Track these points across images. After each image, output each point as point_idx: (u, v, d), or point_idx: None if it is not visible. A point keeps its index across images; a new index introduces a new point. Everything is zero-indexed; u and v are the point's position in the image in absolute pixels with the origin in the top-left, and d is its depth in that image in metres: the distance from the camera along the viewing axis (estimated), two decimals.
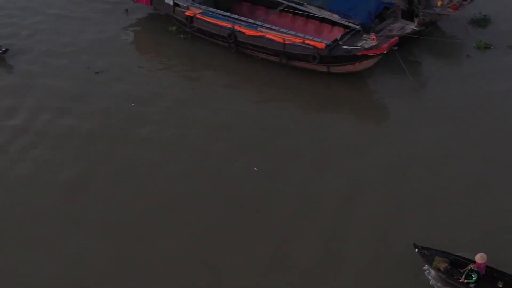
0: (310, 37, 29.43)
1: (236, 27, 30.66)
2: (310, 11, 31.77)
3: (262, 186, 23.69)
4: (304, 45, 29.23)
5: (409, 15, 31.65)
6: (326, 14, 31.44)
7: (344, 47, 29.14)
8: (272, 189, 23.54)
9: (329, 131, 26.61)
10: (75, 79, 30.08)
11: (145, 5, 34.25)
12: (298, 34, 29.64)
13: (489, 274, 19.29)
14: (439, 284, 19.69)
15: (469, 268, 19.16)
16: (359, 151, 25.33)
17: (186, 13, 32.08)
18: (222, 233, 21.68)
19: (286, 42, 29.46)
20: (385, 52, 28.28)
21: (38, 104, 28.19)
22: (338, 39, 29.50)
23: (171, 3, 32.73)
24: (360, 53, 28.53)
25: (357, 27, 30.06)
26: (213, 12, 31.63)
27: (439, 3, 31.23)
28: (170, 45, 32.89)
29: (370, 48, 28.46)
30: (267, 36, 29.95)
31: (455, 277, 19.28)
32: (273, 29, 30.10)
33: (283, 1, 32.40)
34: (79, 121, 27.06)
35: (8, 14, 35.54)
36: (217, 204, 22.88)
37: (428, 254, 19.94)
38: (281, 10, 32.58)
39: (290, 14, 32.54)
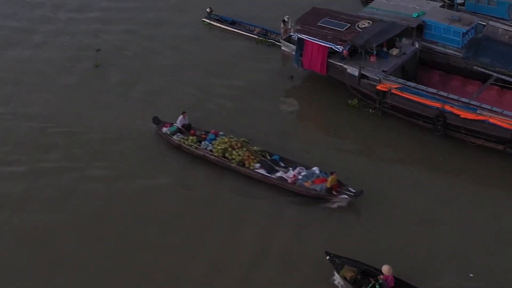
0: None
1: (447, 108, 25.77)
2: None
3: None
4: None
5: None
6: None
7: None
8: None
9: None
10: None
11: (318, 73, 29.36)
12: None
13: (398, 287, 19.39)
14: None
15: (376, 278, 19.23)
16: None
17: (379, 87, 27.21)
18: None
19: None
20: None
21: None
22: None
23: (356, 73, 27.87)
24: None
25: None
26: (414, 87, 26.69)
27: None
28: (353, 122, 28.01)
29: None
30: (490, 120, 25.01)
31: (363, 287, 19.38)
32: (495, 111, 25.15)
33: (491, 73, 27.44)
34: None
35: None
36: None
37: (339, 263, 20.28)
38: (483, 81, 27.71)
39: (496, 87, 27.58)
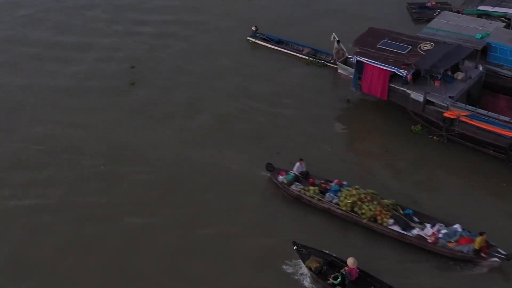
0: None
1: None
2: None
3: None
4: None
5: None
6: None
7: None
8: None
9: None
10: None
11: (379, 98, 28.00)
12: None
13: (362, 278, 19.56)
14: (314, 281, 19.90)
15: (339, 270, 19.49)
16: None
17: (446, 114, 25.82)
18: None
19: None
20: None
21: None
22: None
23: (421, 99, 26.49)
24: None
25: None
26: (485, 116, 25.27)
27: None
28: (417, 149, 26.53)
29: None
30: None
31: (328, 278, 19.56)
32: None
33: None
34: None
35: None
36: None
37: (305, 253, 20.34)
38: None
39: None
